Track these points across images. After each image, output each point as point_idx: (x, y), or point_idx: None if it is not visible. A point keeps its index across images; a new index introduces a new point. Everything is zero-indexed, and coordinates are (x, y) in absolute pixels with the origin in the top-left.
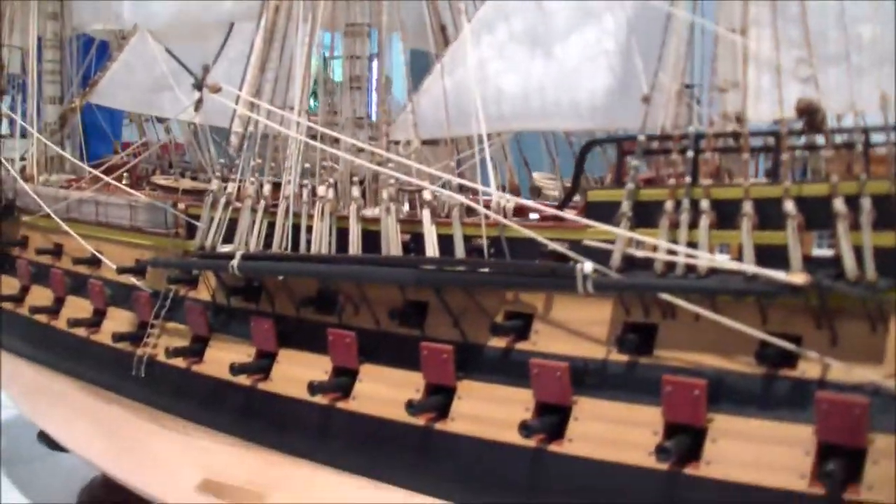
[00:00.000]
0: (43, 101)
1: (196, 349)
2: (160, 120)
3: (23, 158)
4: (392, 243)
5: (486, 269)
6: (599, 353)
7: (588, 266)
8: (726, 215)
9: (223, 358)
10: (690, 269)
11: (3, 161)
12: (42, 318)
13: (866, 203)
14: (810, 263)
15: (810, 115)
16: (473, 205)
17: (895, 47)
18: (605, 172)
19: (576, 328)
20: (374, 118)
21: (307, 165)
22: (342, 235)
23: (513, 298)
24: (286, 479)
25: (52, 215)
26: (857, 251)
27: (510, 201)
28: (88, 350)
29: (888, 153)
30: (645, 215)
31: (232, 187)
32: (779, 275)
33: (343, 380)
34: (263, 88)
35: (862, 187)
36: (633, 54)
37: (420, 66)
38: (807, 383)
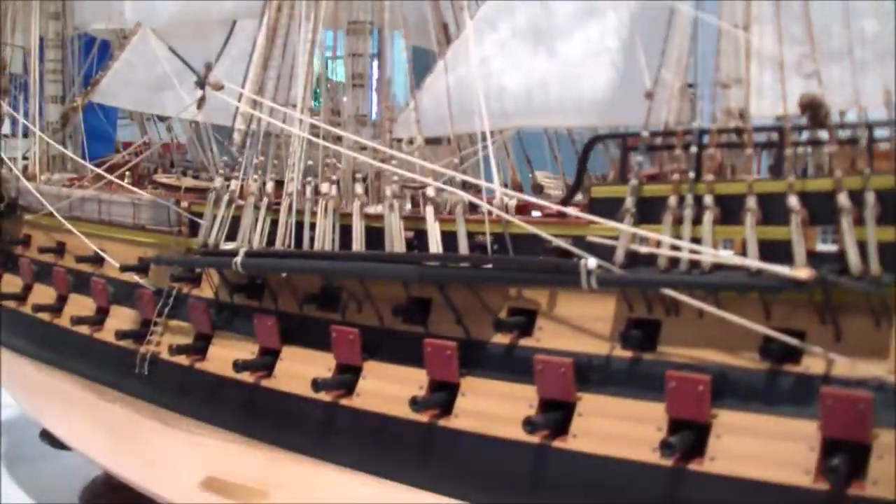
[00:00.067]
0: (45, 100)
1: (199, 347)
2: (161, 119)
3: (25, 157)
4: (395, 240)
5: (490, 266)
6: (603, 350)
7: (592, 262)
8: (730, 211)
9: (226, 355)
10: (694, 264)
11: (6, 160)
12: (45, 316)
13: (870, 198)
14: (814, 258)
15: (814, 111)
16: (477, 201)
17: None
18: (606, 170)
19: (579, 324)
20: (374, 117)
21: (310, 163)
22: (345, 233)
23: (516, 295)
24: (289, 476)
25: (55, 213)
26: (861, 246)
27: (513, 198)
28: (91, 348)
29: (892, 148)
30: (648, 211)
31: (235, 185)
32: (783, 270)
33: (346, 377)
34: (266, 86)
35: (866, 182)
36: (636, 50)
37: (422, 64)
38: (811, 379)
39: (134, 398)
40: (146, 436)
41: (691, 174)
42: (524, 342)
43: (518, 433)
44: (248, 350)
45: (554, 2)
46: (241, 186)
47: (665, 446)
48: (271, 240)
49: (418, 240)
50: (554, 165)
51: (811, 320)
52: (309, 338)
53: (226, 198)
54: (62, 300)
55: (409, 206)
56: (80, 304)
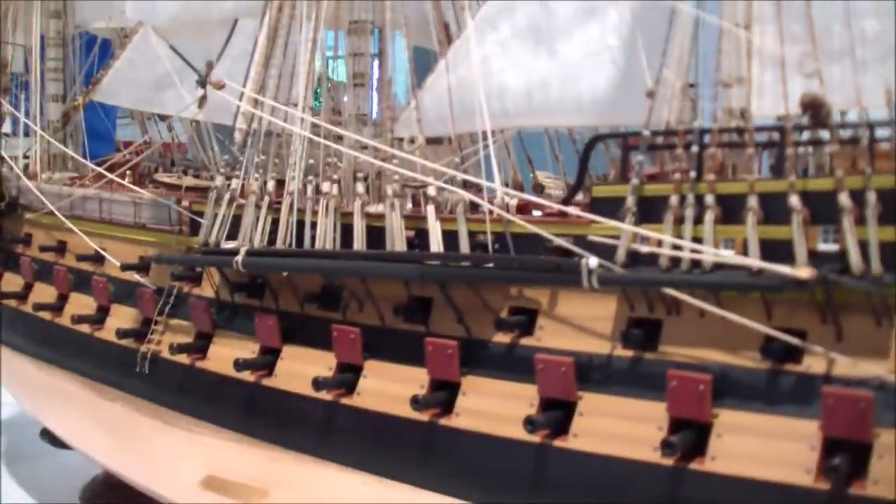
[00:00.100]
0: (46, 99)
1: (200, 346)
2: (162, 118)
3: (26, 156)
4: (397, 239)
5: (491, 265)
6: (604, 349)
7: (593, 261)
8: (731, 210)
9: (227, 354)
10: (695, 264)
11: (7, 159)
12: (45, 315)
13: (871, 197)
14: (815, 258)
15: (815, 110)
16: (478, 200)
17: None
18: (606, 170)
19: (580, 324)
20: (374, 117)
21: (311, 162)
22: (346, 232)
23: (517, 294)
24: (290, 475)
25: (56, 212)
26: (863, 246)
27: (514, 197)
28: (92, 347)
29: (892, 148)
30: (649, 211)
31: (236, 184)
32: (784, 269)
33: (347, 376)
34: (267, 85)
35: (867, 182)
36: (637, 50)
37: (422, 64)
38: (812, 378)
39: (134, 397)
40: (146, 434)
41: (692, 174)
42: (525, 341)
43: (519, 432)
44: (248, 349)
45: (554, 1)
46: (242, 185)
47: (666, 446)
48: (272, 239)
49: (419, 239)
50: (555, 165)
51: (812, 320)
52: (310, 337)
53: (227, 197)
54: (63, 299)
55: (409, 205)
56: (81, 303)
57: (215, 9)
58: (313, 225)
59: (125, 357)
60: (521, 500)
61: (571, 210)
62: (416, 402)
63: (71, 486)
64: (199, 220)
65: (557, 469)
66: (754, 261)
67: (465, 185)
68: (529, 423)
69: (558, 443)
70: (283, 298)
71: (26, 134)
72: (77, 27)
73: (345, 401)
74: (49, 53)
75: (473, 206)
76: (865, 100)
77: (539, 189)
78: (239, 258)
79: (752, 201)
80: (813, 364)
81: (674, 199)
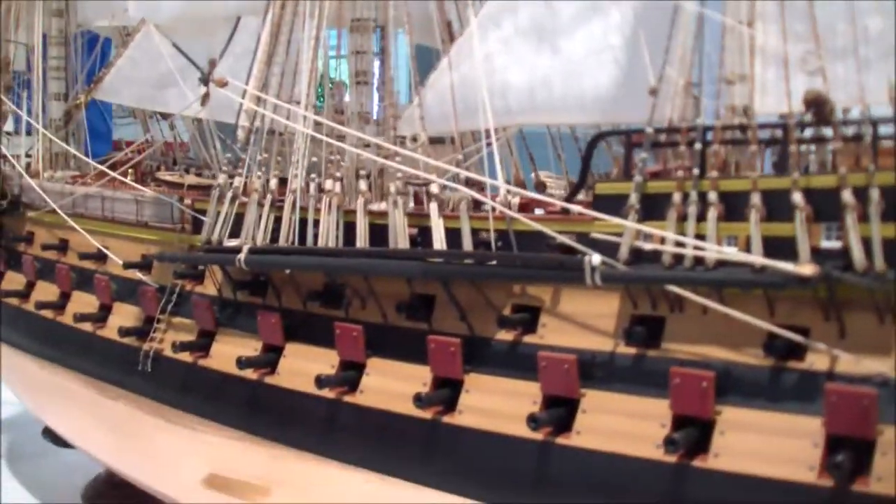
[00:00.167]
0: (48, 97)
1: (202, 344)
2: (164, 116)
3: (28, 155)
4: (399, 237)
5: (494, 263)
6: (607, 346)
7: (596, 258)
8: (734, 207)
9: (230, 352)
10: (698, 261)
11: (9, 157)
12: (48, 313)
13: (874, 194)
14: (818, 255)
15: (818, 107)
16: (481, 198)
17: None
18: (609, 168)
19: (583, 321)
20: (375, 116)
21: (314, 160)
22: (349, 230)
23: (520, 291)
24: (292, 473)
25: (58, 210)
26: (866, 242)
27: (517, 195)
28: (94, 345)
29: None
30: (652, 208)
31: (238, 181)
32: (787, 266)
33: (350, 373)
34: (270, 83)
35: (870, 179)
36: (640, 47)
37: (424, 62)
38: (815, 375)
39: (137, 395)
40: (149, 433)
41: (696, 171)
42: (528, 339)
43: (522, 430)
44: (251, 347)
45: (558, 0)
46: (245, 183)
47: (669, 443)
48: (275, 237)
49: (422, 236)
50: (557, 164)
51: (815, 317)
52: (312, 334)
53: (229, 194)
54: (65, 297)
55: (411, 203)
56: (83, 302)
57: (218, 6)
58: (316, 223)
59: (127, 355)
60: (524, 497)
61: (574, 207)
62: (418, 400)
63: (73, 485)
64: (202, 217)
65: (560, 466)
66: (757, 258)
67: (468, 183)
68: (532, 421)
69: (561, 440)
70: (285, 296)
71: (28, 132)
72: (79, 26)
73: (347, 398)
74: (51, 52)
75: (476, 204)
76: (869, 97)
77: (541, 187)
78: (242, 256)
79: (755, 198)
80: (816, 361)
81: (677, 197)
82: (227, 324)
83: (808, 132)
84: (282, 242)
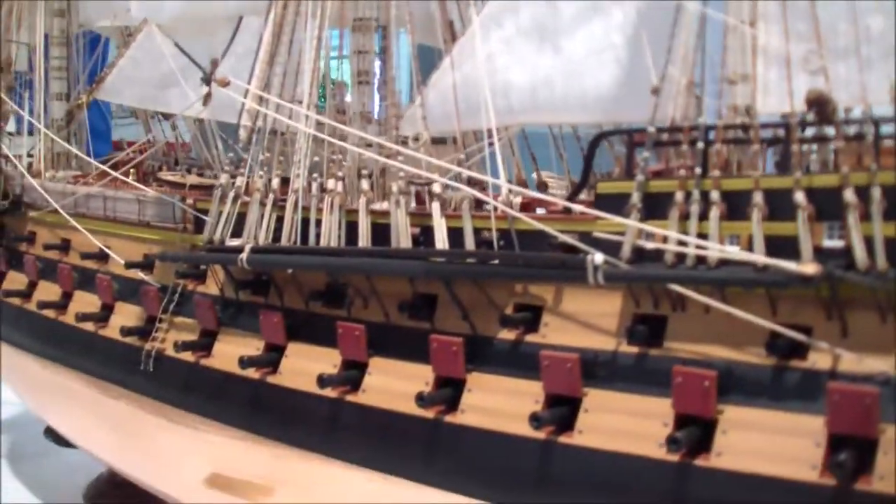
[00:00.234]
0: (50, 97)
1: (204, 343)
2: (165, 116)
3: (30, 155)
4: (402, 236)
5: (496, 262)
6: (609, 345)
7: (599, 257)
8: (736, 206)
9: (232, 352)
10: (700, 260)
11: (11, 157)
12: (50, 313)
13: (876, 193)
14: (821, 254)
15: (820, 107)
16: (483, 197)
17: None
18: (611, 168)
19: (586, 320)
20: (377, 116)
21: (316, 159)
22: (351, 229)
23: (522, 291)
24: (295, 472)
25: (60, 210)
26: (868, 241)
27: (519, 195)
28: (96, 345)
29: None
30: (655, 207)
31: (240, 181)
32: (789, 265)
33: (352, 373)
34: (272, 83)
35: (872, 178)
36: (642, 47)
37: (426, 62)
38: (817, 374)
39: (139, 395)
40: (151, 432)
41: (698, 170)
42: (530, 338)
43: (524, 429)
44: (253, 346)
45: (559, 1)
46: (247, 183)
47: (671, 442)
48: (277, 236)
49: (424, 236)
50: (559, 164)
51: (817, 316)
52: (315, 334)
53: (231, 194)
54: (67, 297)
55: (413, 203)
56: (85, 301)
57: (219, 6)
58: (318, 222)
59: (129, 355)
60: (527, 496)
61: (576, 207)
62: (421, 399)
63: (75, 485)
64: (204, 217)
65: (563, 465)
66: (760, 257)
67: (470, 182)
68: (535, 420)
69: (564, 439)
70: (287, 296)
71: (30, 132)
72: (81, 26)
73: (350, 398)
74: (53, 52)
75: (478, 204)
76: (870, 97)
77: (543, 187)
78: (244, 255)
79: (758, 197)
80: (818, 360)
81: (679, 196)
82: (230, 323)
83: (810, 131)
84: (284, 242)
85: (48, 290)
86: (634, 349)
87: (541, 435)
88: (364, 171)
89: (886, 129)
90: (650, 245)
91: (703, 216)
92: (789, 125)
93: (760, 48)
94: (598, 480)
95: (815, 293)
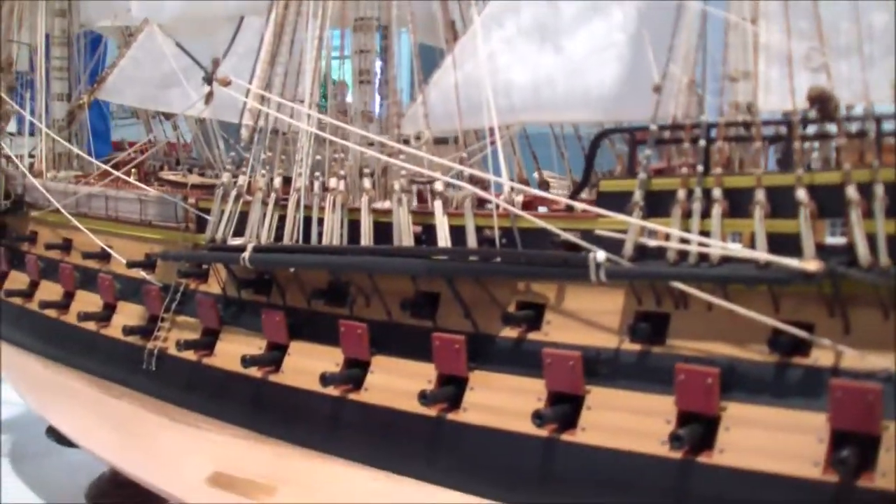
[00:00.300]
0: (51, 97)
1: (207, 342)
2: (167, 117)
3: (31, 155)
4: (404, 235)
5: (498, 260)
6: (612, 343)
7: (601, 255)
8: (738, 204)
9: (234, 350)
10: (703, 257)
11: (12, 157)
12: (51, 312)
13: (879, 190)
14: (823, 251)
15: (822, 104)
16: (485, 195)
17: None
18: (612, 166)
19: (588, 318)
20: (378, 115)
21: (318, 158)
22: (353, 228)
23: (524, 288)
24: (297, 471)
25: (62, 210)
26: (870, 238)
27: (521, 193)
28: (98, 344)
29: None
30: (657, 205)
31: (242, 180)
32: (792, 262)
33: (355, 371)
34: (273, 82)
35: (875, 175)
36: (644, 45)
37: (427, 62)
38: (820, 371)
39: (141, 394)
40: (153, 432)
41: (700, 168)
42: (532, 336)
43: (527, 427)
44: (255, 345)
45: (560, 1)
46: (249, 182)
47: (674, 439)
48: (279, 235)
49: (426, 234)
50: (560, 164)
51: (820, 313)
52: (317, 332)
53: (233, 193)
54: (69, 297)
55: (415, 201)
56: (87, 301)
57: (220, 6)
58: (320, 221)
59: (131, 354)
60: (530, 494)
61: (578, 204)
62: (423, 398)
63: (77, 485)
64: (206, 216)
65: (566, 463)
66: (762, 254)
67: (472, 180)
68: (537, 418)
69: (566, 437)
70: (290, 294)
71: (31, 132)
72: (82, 26)
73: (352, 396)
74: (54, 52)
75: (480, 202)
76: (872, 94)
77: (545, 186)
78: (246, 254)
79: (760, 195)
80: (821, 357)
81: (681, 193)
82: (232, 322)
83: (812, 129)
84: (286, 241)
85: (50, 290)
86: (637, 347)
87: (543, 433)
88: (366, 170)
89: (888, 126)
90: (652, 243)
91: (706, 214)
92: (791, 122)
93: (762, 46)
94: (601, 478)
95: (818, 290)
